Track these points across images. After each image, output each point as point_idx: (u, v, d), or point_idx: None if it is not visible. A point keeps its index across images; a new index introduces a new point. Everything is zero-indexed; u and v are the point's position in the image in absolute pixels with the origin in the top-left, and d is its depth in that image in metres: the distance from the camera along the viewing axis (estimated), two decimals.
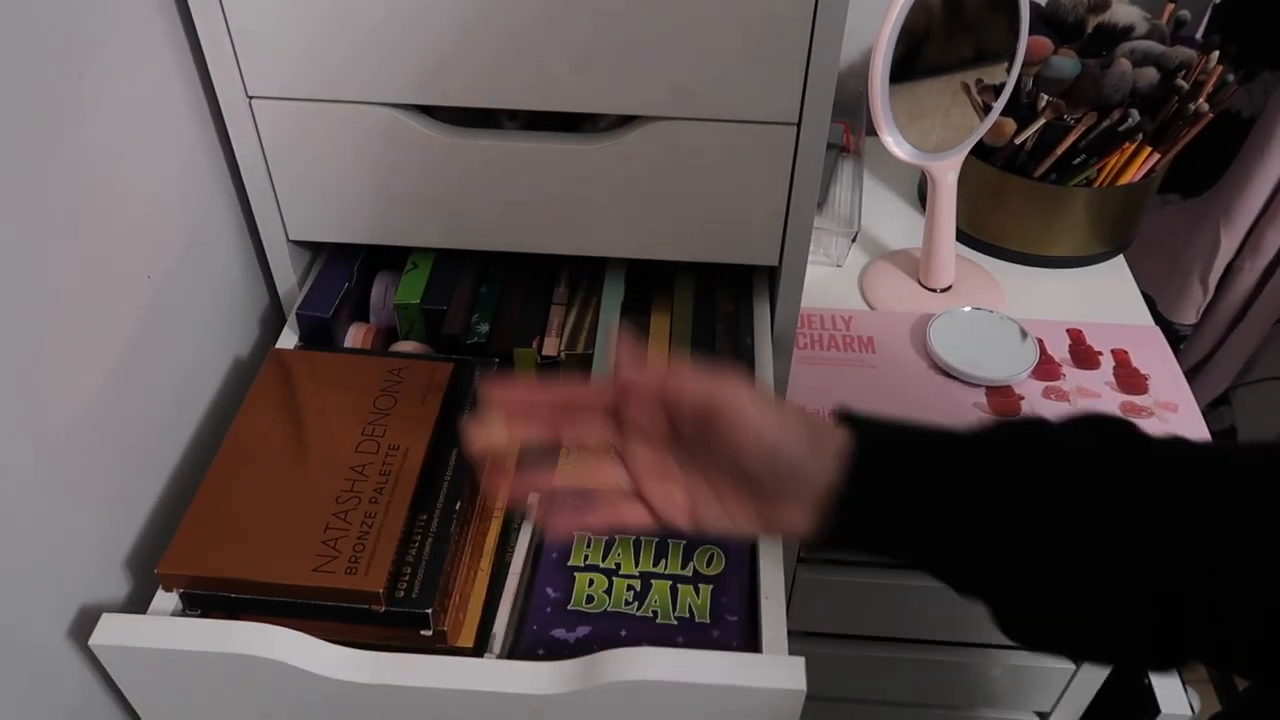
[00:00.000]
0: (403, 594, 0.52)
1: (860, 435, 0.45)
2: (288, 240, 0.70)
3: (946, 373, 0.86)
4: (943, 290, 0.96)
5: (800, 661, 0.49)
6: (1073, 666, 1.01)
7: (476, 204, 0.66)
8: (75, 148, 0.52)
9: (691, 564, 0.58)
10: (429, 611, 0.52)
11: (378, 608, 0.52)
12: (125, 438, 0.57)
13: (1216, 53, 0.92)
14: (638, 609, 0.56)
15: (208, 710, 0.55)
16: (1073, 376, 0.87)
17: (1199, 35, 1.01)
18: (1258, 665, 0.42)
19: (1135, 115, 0.90)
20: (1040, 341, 0.89)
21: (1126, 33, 0.95)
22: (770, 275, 0.73)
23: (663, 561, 0.58)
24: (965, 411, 0.83)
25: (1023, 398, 0.85)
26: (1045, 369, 0.88)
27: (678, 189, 0.65)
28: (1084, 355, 0.89)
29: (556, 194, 0.65)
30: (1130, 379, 0.87)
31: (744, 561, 0.59)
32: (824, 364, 0.88)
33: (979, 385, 0.85)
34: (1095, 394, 0.86)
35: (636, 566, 0.58)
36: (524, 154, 0.64)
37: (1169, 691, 1.04)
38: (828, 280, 0.99)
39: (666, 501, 0.48)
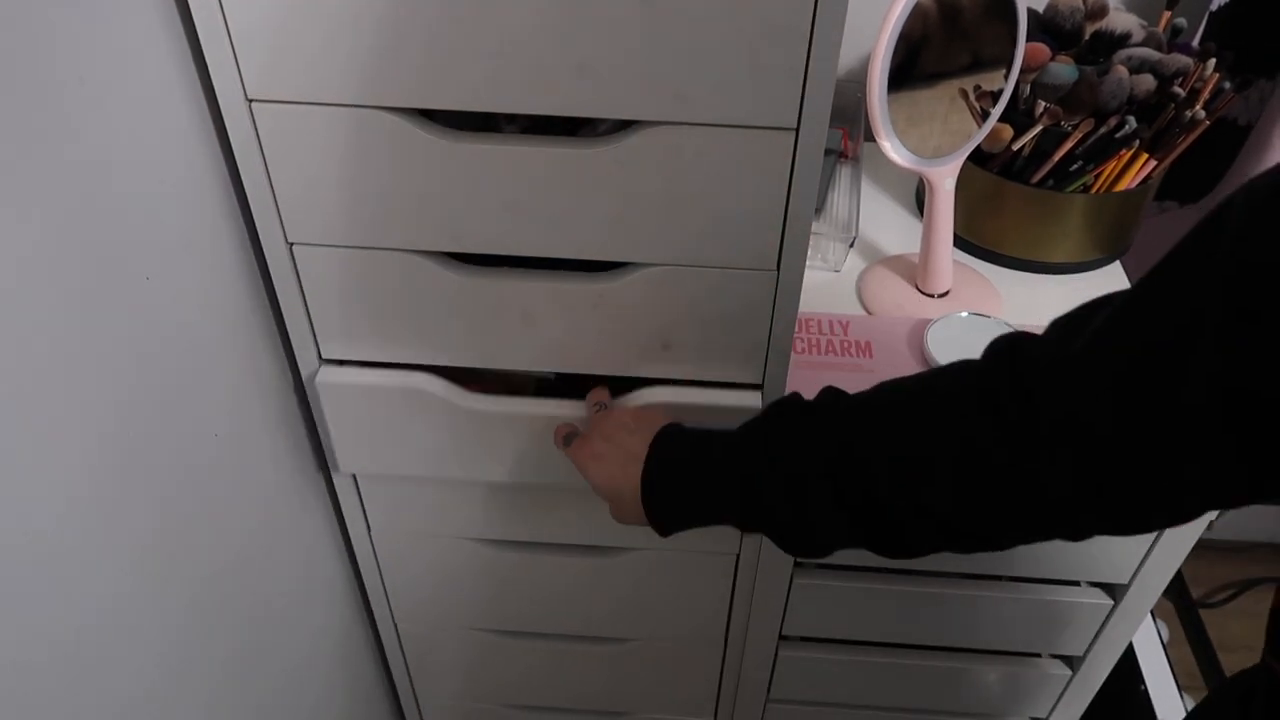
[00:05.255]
0: None
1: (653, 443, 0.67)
2: (287, 243, 0.70)
3: None
4: (940, 296, 0.96)
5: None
6: (1069, 672, 1.01)
7: (475, 208, 0.67)
8: (75, 152, 0.52)
9: None
10: None
11: None
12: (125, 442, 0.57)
13: (1213, 60, 0.93)
14: None
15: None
16: None
17: (1195, 43, 1.02)
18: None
19: (1132, 122, 0.90)
20: None
21: (1123, 40, 0.95)
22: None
23: None
24: None
25: None
26: None
27: (676, 193, 0.65)
28: None
29: (555, 198, 0.66)
30: None
31: None
32: (821, 368, 0.88)
33: None
34: None
35: None
36: (523, 158, 0.64)
37: (1165, 698, 1.04)
38: (825, 285, 0.99)
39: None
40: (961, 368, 0.56)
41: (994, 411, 0.51)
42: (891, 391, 0.59)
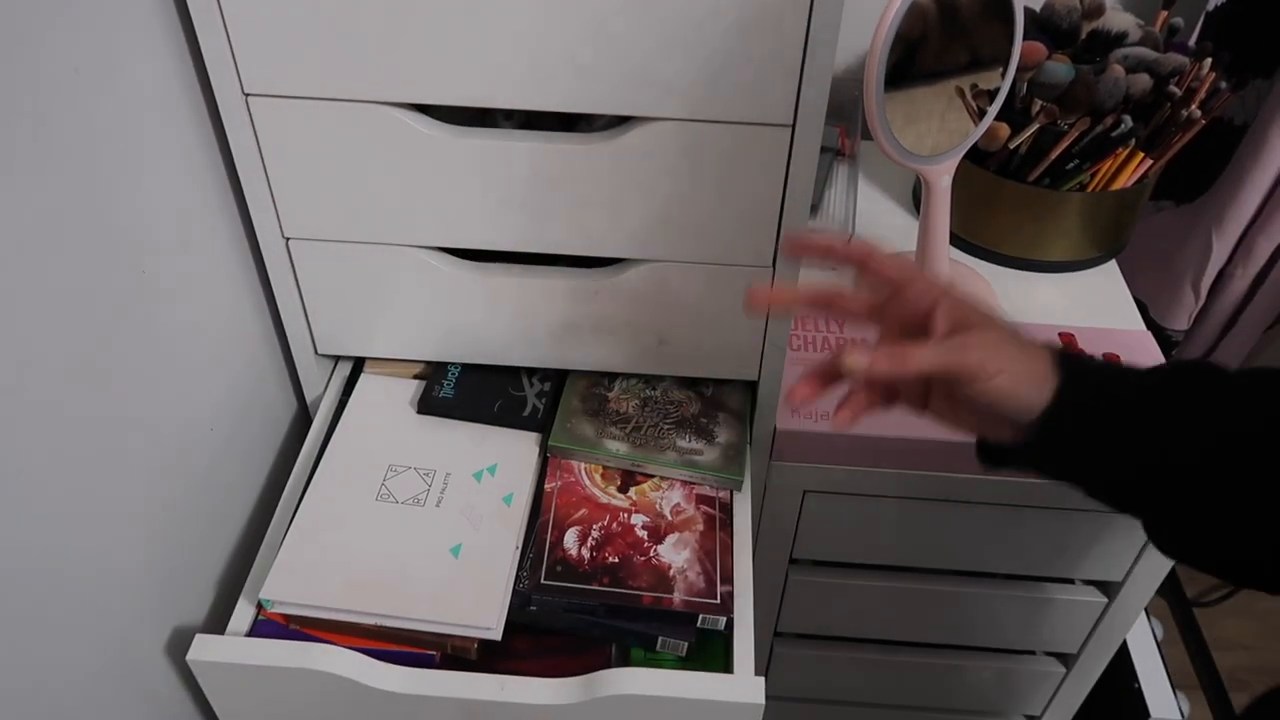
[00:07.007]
0: None
1: (1067, 375, 0.52)
2: (283, 238, 0.70)
3: None
4: None
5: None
6: (1064, 670, 1.01)
7: (472, 203, 0.67)
8: (69, 144, 0.52)
9: None
10: None
11: None
12: (131, 442, 0.57)
13: (1209, 60, 0.93)
14: None
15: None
16: None
17: (1192, 42, 1.02)
18: None
19: (1128, 121, 0.90)
20: None
21: (1120, 39, 0.96)
22: None
23: None
24: None
25: None
26: None
27: (672, 189, 0.65)
28: None
29: (552, 193, 0.66)
30: None
31: None
32: None
33: None
34: None
35: None
36: (520, 153, 0.64)
37: (1159, 696, 1.04)
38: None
39: (911, 393, 0.57)
40: None
41: None
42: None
